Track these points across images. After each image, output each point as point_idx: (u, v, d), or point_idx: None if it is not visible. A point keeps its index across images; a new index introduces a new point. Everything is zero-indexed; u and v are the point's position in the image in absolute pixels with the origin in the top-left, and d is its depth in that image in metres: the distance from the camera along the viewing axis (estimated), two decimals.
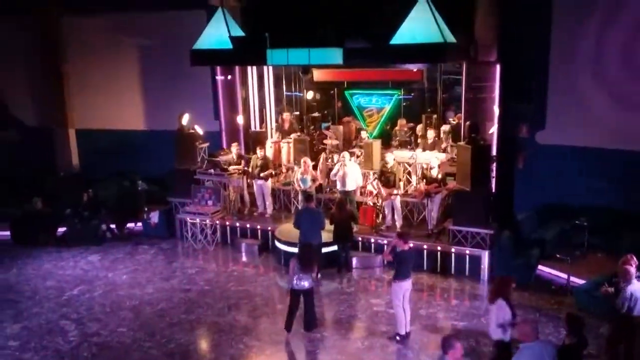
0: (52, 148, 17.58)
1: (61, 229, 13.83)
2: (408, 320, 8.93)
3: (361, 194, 12.97)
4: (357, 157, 13.61)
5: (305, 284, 8.90)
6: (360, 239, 11.96)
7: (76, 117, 17.64)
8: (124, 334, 9.37)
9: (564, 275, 10.63)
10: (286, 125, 14.80)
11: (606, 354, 8.06)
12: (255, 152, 13.69)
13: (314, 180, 12.80)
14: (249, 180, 13.66)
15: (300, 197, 13.07)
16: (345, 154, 12.69)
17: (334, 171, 12.77)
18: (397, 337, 8.89)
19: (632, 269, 7.59)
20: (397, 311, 8.85)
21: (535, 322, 6.21)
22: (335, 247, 11.53)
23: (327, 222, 11.11)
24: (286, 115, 14.96)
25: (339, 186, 12.57)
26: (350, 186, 12.37)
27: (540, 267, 11.17)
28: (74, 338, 9.26)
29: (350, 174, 12.34)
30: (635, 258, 7.76)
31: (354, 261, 11.70)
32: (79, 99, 17.47)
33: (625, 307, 7.57)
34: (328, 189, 13.60)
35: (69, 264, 12.37)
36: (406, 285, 8.81)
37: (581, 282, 10.29)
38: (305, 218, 10.88)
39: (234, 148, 13.88)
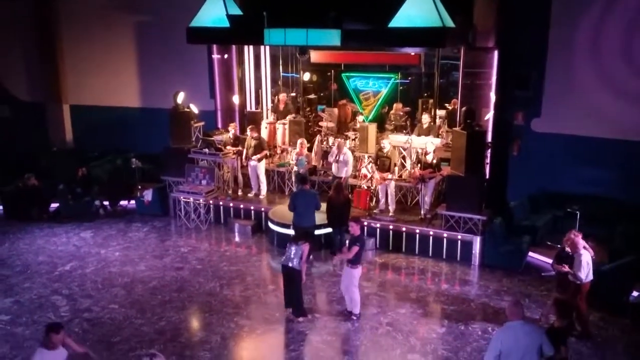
0: (45, 124, 17.49)
1: (54, 205, 13.81)
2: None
3: (355, 177, 12.98)
4: (353, 140, 13.61)
5: (290, 262, 8.79)
6: None
7: (70, 93, 17.51)
8: (115, 310, 9.40)
9: None
10: (281, 106, 14.74)
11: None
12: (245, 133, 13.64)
13: (308, 162, 12.78)
14: (243, 162, 13.61)
15: (293, 178, 13.08)
16: (342, 141, 12.68)
17: (331, 156, 12.76)
18: (354, 317, 9.09)
19: (580, 240, 8.22)
20: (357, 293, 9.05)
21: (521, 303, 6.36)
22: (329, 230, 11.54)
23: (322, 204, 11.12)
24: (282, 96, 14.90)
25: (333, 169, 12.61)
26: (342, 174, 12.41)
27: (531, 253, 11.27)
28: (66, 313, 9.29)
29: (344, 162, 12.38)
30: (579, 232, 8.42)
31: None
32: (73, 75, 17.33)
33: (585, 275, 8.12)
34: (322, 172, 13.60)
35: (62, 240, 12.37)
36: (361, 269, 9.11)
37: None
38: (300, 200, 10.87)
39: (232, 128, 13.81)
